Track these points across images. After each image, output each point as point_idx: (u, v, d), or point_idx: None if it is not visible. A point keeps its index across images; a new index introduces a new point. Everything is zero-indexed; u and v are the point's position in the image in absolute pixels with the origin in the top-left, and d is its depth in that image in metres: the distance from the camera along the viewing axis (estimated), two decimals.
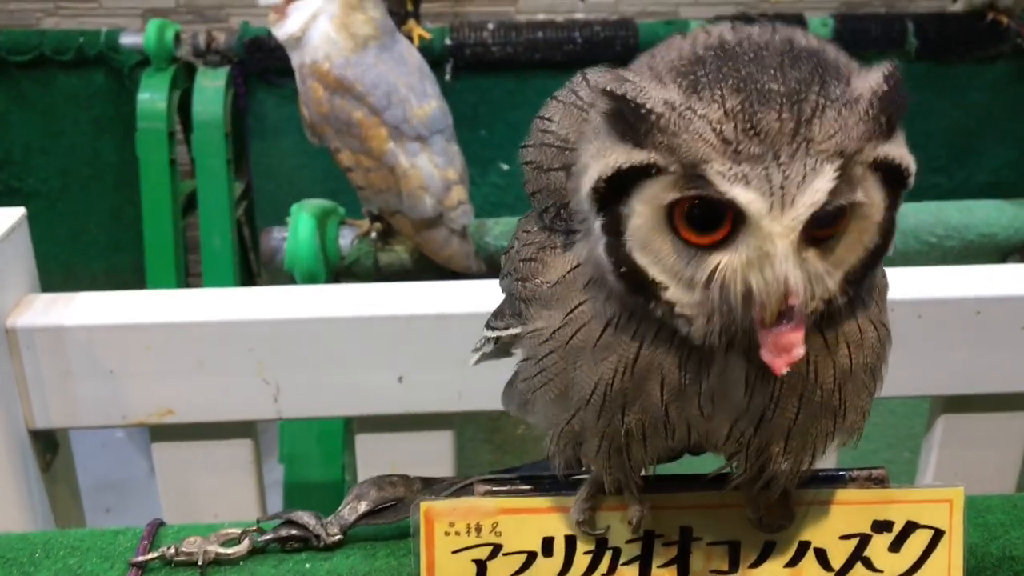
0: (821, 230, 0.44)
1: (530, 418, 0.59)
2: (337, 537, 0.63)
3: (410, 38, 2.22)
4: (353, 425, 1.15)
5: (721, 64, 0.43)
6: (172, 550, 0.61)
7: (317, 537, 0.63)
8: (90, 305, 1.03)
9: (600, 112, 0.46)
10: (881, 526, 0.59)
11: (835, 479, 0.59)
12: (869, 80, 0.44)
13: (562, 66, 2.22)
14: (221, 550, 0.62)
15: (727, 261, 0.44)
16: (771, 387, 0.48)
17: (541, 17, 2.64)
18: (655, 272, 0.46)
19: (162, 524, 0.67)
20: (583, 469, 0.59)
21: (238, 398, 1.06)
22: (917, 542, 0.59)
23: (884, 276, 0.54)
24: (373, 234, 1.45)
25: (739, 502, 0.58)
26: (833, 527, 0.59)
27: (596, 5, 2.71)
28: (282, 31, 1.36)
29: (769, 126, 0.42)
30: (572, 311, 0.50)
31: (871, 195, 0.45)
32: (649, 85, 0.44)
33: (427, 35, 2.26)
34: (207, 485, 1.14)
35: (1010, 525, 0.66)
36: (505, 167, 2.36)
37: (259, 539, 0.64)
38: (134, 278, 2.35)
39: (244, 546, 0.63)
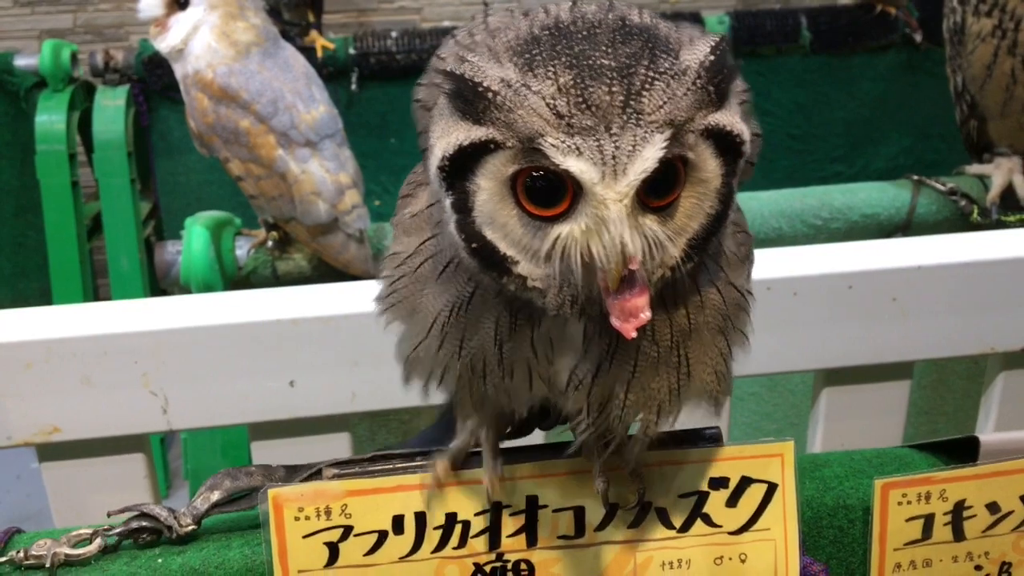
0: (658, 199, 0.47)
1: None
2: (190, 528, 0.63)
3: (313, 49, 2.22)
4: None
5: (555, 42, 0.45)
6: (21, 554, 0.61)
7: (169, 528, 0.63)
8: None
9: (443, 92, 0.48)
10: (718, 483, 0.61)
11: (672, 440, 0.62)
12: (696, 52, 0.46)
13: None
14: (71, 551, 0.62)
15: (567, 231, 0.46)
16: (607, 339, 0.50)
17: (446, 23, 2.66)
18: (504, 247, 0.48)
19: (18, 531, 0.66)
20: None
21: (126, 412, 1.04)
22: (752, 496, 0.61)
23: (744, 244, 0.56)
24: (270, 243, 1.45)
25: (584, 468, 0.60)
26: (672, 486, 0.61)
27: (500, 9, 2.73)
28: (164, 44, 1.35)
29: (600, 100, 0.44)
30: (424, 242, 0.53)
31: (706, 162, 0.47)
32: (487, 64, 0.46)
33: (330, 45, 2.26)
34: (102, 503, 1.12)
35: (844, 477, 0.69)
36: None
37: (110, 535, 0.63)
38: (41, 305, 2.29)
39: (95, 545, 0.62)
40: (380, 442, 1.60)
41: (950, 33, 1.57)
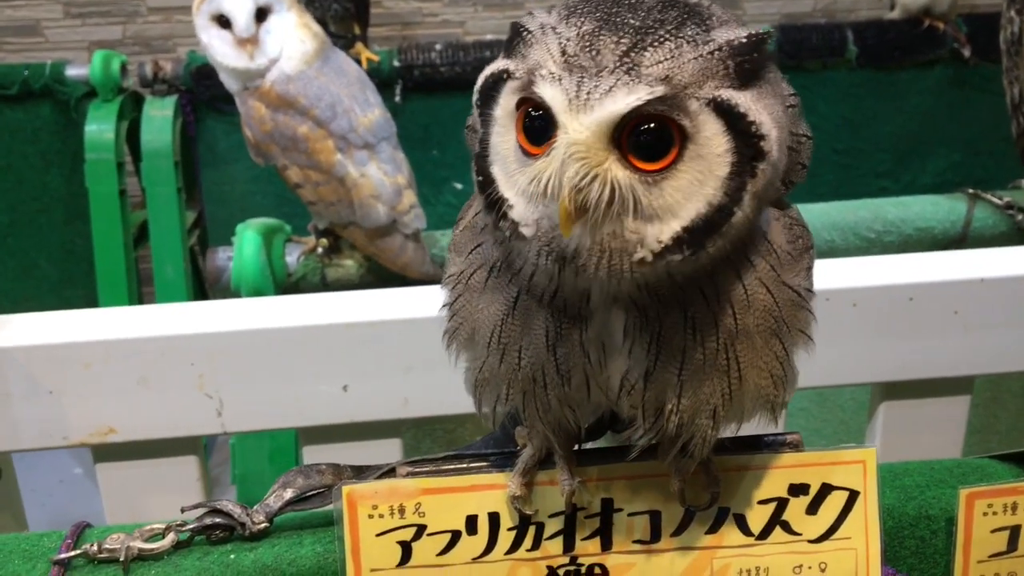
0: (646, 160, 0.45)
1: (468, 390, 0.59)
2: (263, 525, 0.63)
3: (358, 61, 2.24)
4: (300, 438, 1.15)
5: (601, 2, 0.47)
6: (95, 547, 0.61)
7: (242, 526, 0.63)
8: (27, 326, 1.02)
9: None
10: (797, 489, 0.60)
11: (752, 445, 0.60)
12: (732, 33, 0.46)
13: None
14: (144, 545, 0.62)
15: (543, 163, 0.46)
16: (648, 337, 0.50)
17: (489, 37, 2.67)
18: (504, 186, 0.49)
19: (88, 526, 0.66)
20: (520, 443, 0.60)
21: (181, 414, 1.05)
22: (833, 504, 0.60)
23: (804, 240, 0.55)
24: (319, 250, 1.45)
25: (661, 472, 0.59)
26: (751, 492, 0.60)
27: None
28: (263, 58, 1.35)
29: (604, 47, 0.45)
30: (471, 252, 0.53)
31: (709, 139, 0.45)
32: (541, 15, 0.48)
33: (375, 58, 2.28)
34: (154, 504, 1.13)
35: (926, 486, 0.67)
36: (458, 186, 2.37)
37: (183, 530, 0.63)
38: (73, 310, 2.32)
39: (168, 540, 0.62)
40: (425, 450, 1.60)
41: (1007, 44, 1.55)
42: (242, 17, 1.34)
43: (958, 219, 1.54)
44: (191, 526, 0.64)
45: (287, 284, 1.45)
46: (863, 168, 2.56)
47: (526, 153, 0.47)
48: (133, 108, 2.23)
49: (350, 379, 1.06)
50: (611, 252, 0.46)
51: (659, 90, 0.44)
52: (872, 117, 2.51)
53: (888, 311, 1.10)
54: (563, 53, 0.46)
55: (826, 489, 0.60)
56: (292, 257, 1.45)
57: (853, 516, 0.59)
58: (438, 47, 2.30)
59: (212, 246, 1.51)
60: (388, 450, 1.13)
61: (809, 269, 0.55)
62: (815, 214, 1.52)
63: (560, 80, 0.45)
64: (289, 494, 0.63)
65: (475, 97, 0.50)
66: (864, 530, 0.60)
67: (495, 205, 0.49)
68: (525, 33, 0.47)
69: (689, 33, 0.45)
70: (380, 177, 1.38)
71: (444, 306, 0.57)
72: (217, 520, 0.63)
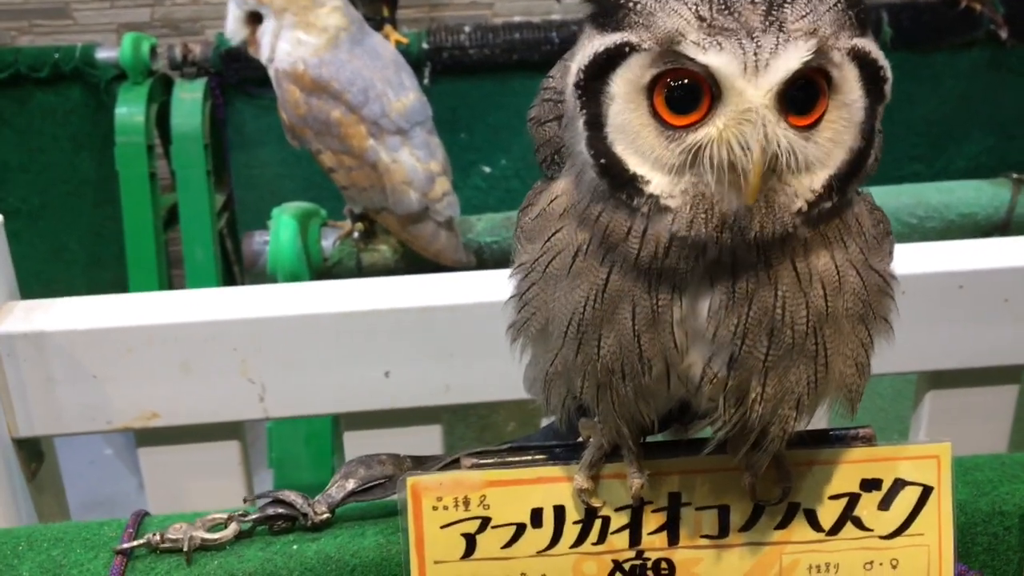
0: (800, 115, 0.46)
1: (530, 386, 0.59)
2: (325, 516, 0.62)
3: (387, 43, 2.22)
4: (341, 424, 1.15)
5: None
6: (157, 537, 0.61)
7: (304, 516, 0.62)
8: (70, 310, 1.02)
9: (586, 18, 0.48)
10: (870, 484, 0.59)
11: (822, 439, 0.59)
12: None
13: (540, 67, 2.22)
14: (207, 535, 0.61)
15: (706, 133, 0.46)
16: (735, 319, 0.49)
17: (518, 19, 2.64)
18: (635, 163, 0.47)
19: (147, 515, 0.66)
20: (585, 436, 0.59)
21: (223, 399, 1.05)
22: (906, 499, 0.59)
23: (884, 224, 0.55)
24: (355, 234, 1.44)
25: (730, 466, 0.58)
26: (822, 487, 0.59)
27: (572, 6, 2.72)
28: (262, 58, 1.37)
29: (743, 7, 0.44)
30: (549, 239, 0.52)
31: (850, 86, 0.47)
32: None
33: (404, 40, 2.26)
34: (196, 489, 1.13)
35: (998, 481, 0.66)
36: (487, 169, 2.36)
37: (245, 521, 0.63)
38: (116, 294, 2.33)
39: (230, 530, 0.62)
40: (459, 436, 1.59)
41: None
42: (229, 24, 1.38)
43: (1002, 205, 1.52)
44: (253, 516, 0.63)
45: (322, 269, 1.44)
46: (896, 152, 2.53)
47: (666, 125, 0.46)
48: (163, 91, 2.23)
49: (392, 365, 1.06)
50: (774, 207, 0.46)
51: (813, 44, 0.44)
52: (906, 100, 2.47)
53: (937, 298, 1.09)
54: (701, 19, 0.44)
55: (899, 484, 0.58)
56: (328, 241, 1.45)
57: (926, 512, 0.58)
58: (467, 29, 2.28)
59: (248, 230, 1.50)
60: (429, 436, 1.13)
61: (890, 254, 0.54)
62: None
63: (721, 46, 0.44)
64: (351, 485, 0.63)
65: (576, 78, 0.48)
66: (937, 526, 0.58)
67: (624, 184, 0.47)
68: (632, 3, 0.46)
69: None
70: (413, 163, 1.36)
71: (512, 297, 0.56)
72: (279, 510, 0.62)
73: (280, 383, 1.05)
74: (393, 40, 2.25)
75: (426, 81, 2.28)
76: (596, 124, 0.48)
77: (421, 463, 0.63)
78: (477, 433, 1.60)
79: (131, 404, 1.04)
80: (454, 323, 1.06)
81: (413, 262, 1.45)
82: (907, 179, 2.50)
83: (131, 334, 1.01)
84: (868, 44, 0.47)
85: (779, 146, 0.45)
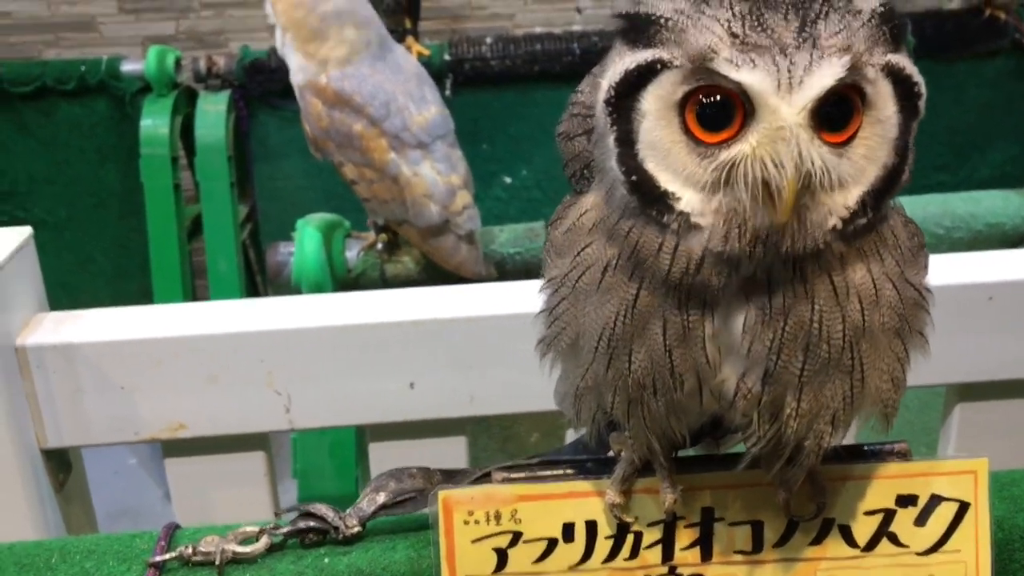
0: (834, 132, 0.46)
1: (561, 401, 0.58)
2: (356, 529, 0.62)
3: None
4: (366, 435, 1.15)
5: None
6: (190, 550, 0.61)
7: (336, 529, 0.62)
8: (99, 322, 1.03)
9: (616, 34, 0.48)
10: (905, 500, 0.58)
11: (857, 454, 0.59)
12: (869, 2, 0.46)
13: (561, 78, 2.22)
14: (239, 548, 0.61)
15: (739, 150, 0.45)
16: (771, 333, 0.48)
17: (538, 30, 2.65)
18: (666, 180, 0.47)
19: (178, 527, 0.66)
20: (616, 450, 0.59)
21: (250, 410, 1.05)
22: (943, 515, 0.58)
23: (919, 238, 0.54)
24: (379, 245, 1.45)
25: (764, 481, 0.57)
26: (857, 503, 0.58)
27: (593, 16, 2.72)
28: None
29: (775, 24, 0.44)
30: (579, 254, 0.51)
31: (884, 102, 0.47)
32: (659, 2, 0.47)
33: (426, 52, 2.27)
34: (221, 499, 1.14)
35: None
36: (508, 180, 2.36)
37: (276, 534, 0.63)
38: (141, 305, 2.34)
39: (262, 544, 0.62)
40: (481, 447, 1.59)
41: None
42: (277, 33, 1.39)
43: None
44: (284, 529, 0.63)
45: (347, 280, 1.45)
46: (920, 161, 2.42)
47: (698, 142, 0.46)
48: (187, 103, 2.25)
49: (417, 376, 1.06)
50: (807, 223, 0.46)
51: (847, 60, 0.44)
52: (930, 109, 2.39)
53: (966, 310, 1.07)
54: (734, 35, 0.44)
55: (935, 500, 0.58)
56: (352, 253, 1.45)
57: (963, 528, 0.58)
58: (488, 40, 2.29)
59: (272, 241, 1.51)
60: (453, 447, 1.13)
61: (925, 267, 0.54)
62: None
63: (754, 63, 0.44)
64: (382, 498, 0.63)
65: (607, 95, 0.47)
66: (975, 543, 0.58)
67: (654, 201, 0.47)
68: (664, 20, 0.46)
69: (840, 4, 0.45)
70: (433, 176, 1.37)
71: (542, 312, 0.55)
72: (310, 524, 0.63)
73: (305, 394, 1.05)
74: (415, 52, 2.26)
75: (448, 92, 2.29)
76: (627, 141, 0.47)
77: (451, 477, 0.63)
78: (500, 444, 1.60)
79: (158, 415, 1.05)
80: (477, 334, 1.06)
81: (436, 273, 1.45)
82: (932, 188, 2.48)
83: (158, 346, 1.02)
84: (903, 60, 0.47)
85: (813, 164, 0.44)
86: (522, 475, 0.59)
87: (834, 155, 0.46)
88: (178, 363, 1.02)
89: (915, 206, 1.48)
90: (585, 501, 0.58)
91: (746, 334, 0.48)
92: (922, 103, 0.48)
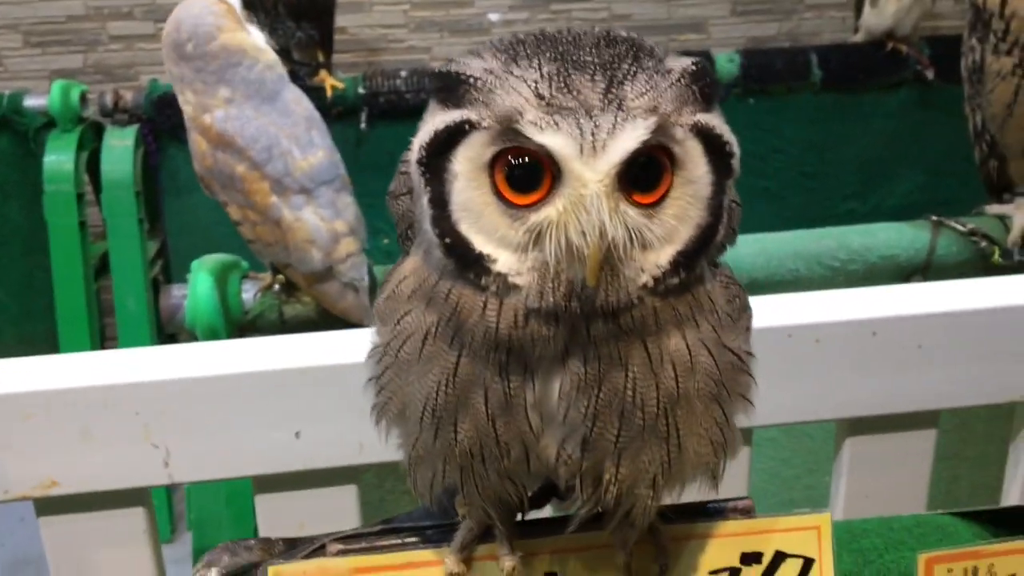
0: (643, 192, 0.46)
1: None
2: None
3: (323, 89, 2.22)
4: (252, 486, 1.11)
5: (540, 43, 0.47)
6: None
7: None
8: None
9: (431, 92, 0.48)
10: (750, 558, 0.57)
11: (700, 512, 0.58)
12: (680, 61, 0.47)
13: None
14: None
15: (546, 214, 0.45)
16: (586, 400, 0.47)
17: None
18: (480, 242, 0.46)
19: None
20: (462, 514, 0.58)
21: (126, 465, 1.01)
22: (788, 571, 0.58)
23: (740, 300, 0.54)
24: (276, 287, 1.42)
25: (604, 543, 0.56)
26: (701, 562, 0.57)
27: None
28: None
29: (582, 86, 0.44)
30: (399, 322, 0.50)
31: (695, 162, 0.47)
32: (471, 60, 0.47)
33: (340, 85, 2.26)
34: (101, 559, 1.09)
35: (884, 549, 0.65)
36: None
37: None
38: (47, 345, 2.27)
39: None
40: (388, 489, 1.56)
41: (968, 72, 1.55)
42: None
43: (922, 247, 1.53)
44: None
45: (243, 322, 1.41)
46: (830, 191, 2.57)
47: (508, 204, 0.46)
48: (94, 138, 2.20)
49: (303, 425, 1.03)
50: (619, 279, 0.46)
51: (652, 122, 0.44)
52: (837, 140, 2.52)
53: (852, 346, 1.09)
54: (540, 96, 0.44)
55: (780, 557, 0.57)
56: (249, 294, 1.42)
57: None
58: (403, 73, 2.29)
59: (169, 281, 1.48)
60: (344, 496, 1.10)
61: (748, 330, 0.54)
62: (780, 243, 1.51)
63: (558, 125, 0.44)
64: (213, 574, 0.60)
65: (419, 155, 0.47)
66: None
67: (471, 264, 0.46)
68: (473, 80, 0.45)
69: (650, 64, 0.46)
70: (316, 222, 1.35)
71: (370, 380, 0.54)
72: None
73: (186, 447, 1.01)
74: (329, 85, 2.25)
75: (363, 125, 2.28)
76: (440, 202, 0.47)
77: (293, 546, 0.61)
78: (408, 487, 1.57)
79: (29, 472, 1.00)
80: (365, 381, 1.03)
81: (336, 316, 1.43)
82: (842, 217, 2.54)
83: (27, 400, 0.98)
84: (713, 119, 0.47)
85: (617, 230, 0.44)
86: (358, 546, 0.57)
87: (643, 216, 0.46)
88: (48, 418, 0.98)
89: (810, 239, 1.51)
90: (425, 571, 0.56)
91: (562, 400, 0.48)
92: (735, 162, 0.48)
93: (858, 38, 2.50)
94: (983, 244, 1.55)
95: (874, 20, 2.40)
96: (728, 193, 0.48)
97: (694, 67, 0.46)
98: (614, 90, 0.44)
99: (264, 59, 1.33)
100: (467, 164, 0.46)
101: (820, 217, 2.49)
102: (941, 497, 1.22)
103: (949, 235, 1.56)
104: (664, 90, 0.45)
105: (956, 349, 1.09)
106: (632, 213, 0.45)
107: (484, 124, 0.45)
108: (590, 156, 0.43)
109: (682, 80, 0.46)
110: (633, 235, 0.45)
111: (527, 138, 0.44)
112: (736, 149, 0.48)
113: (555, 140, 0.44)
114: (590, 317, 0.46)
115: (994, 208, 1.64)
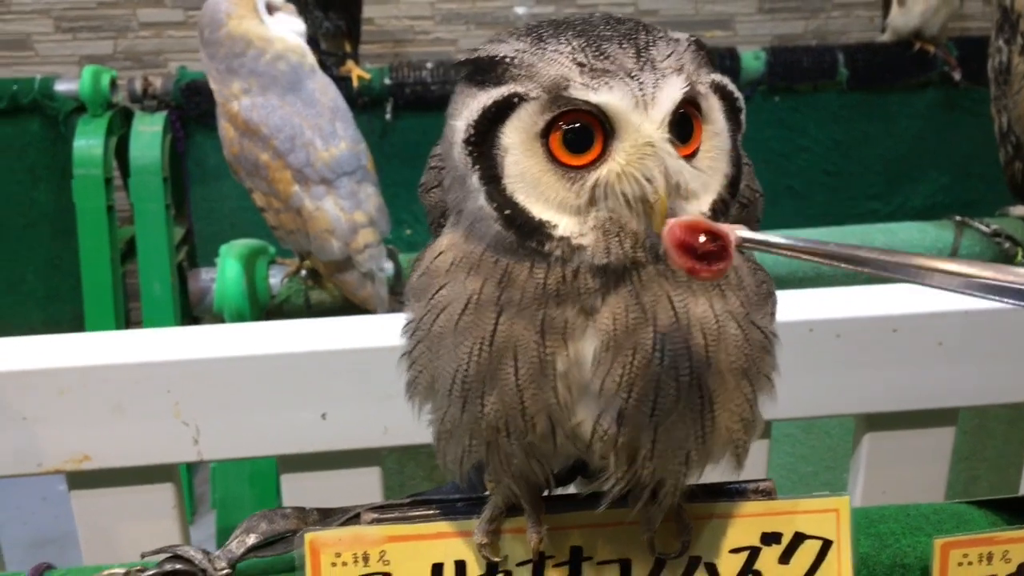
0: (682, 145, 0.48)
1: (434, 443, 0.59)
2: (225, 572, 0.62)
3: (349, 79, 2.24)
4: (278, 465, 1.14)
5: (558, 26, 0.49)
6: None
7: (203, 572, 0.61)
8: (1, 352, 1.01)
9: (461, 79, 0.50)
10: (770, 538, 0.59)
11: (722, 492, 0.59)
12: (680, 34, 0.51)
13: None
14: None
15: (608, 169, 0.47)
16: (620, 369, 0.49)
17: None
18: (539, 210, 0.48)
19: (49, 568, 0.65)
20: (489, 489, 0.59)
21: (157, 441, 1.03)
22: (806, 553, 0.59)
23: (765, 282, 0.55)
24: (303, 272, 1.44)
25: (632, 520, 0.58)
26: (722, 541, 0.59)
27: None
28: None
29: (614, 53, 0.47)
30: (433, 296, 0.52)
31: (717, 116, 0.51)
32: (499, 45, 0.49)
33: (366, 76, 2.28)
34: (130, 532, 1.11)
35: (901, 534, 0.66)
36: None
37: None
38: (73, 327, 2.30)
39: None
40: (409, 475, 1.58)
41: (995, 73, 1.55)
42: None
43: (945, 247, 1.54)
44: (151, 572, 0.63)
45: (270, 307, 1.44)
46: (854, 190, 2.57)
47: (566, 168, 0.48)
48: (122, 123, 2.23)
49: (330, 407, 1.05)
50: None
51: (684, 78, 0.47)
52: (863, 139, 2.52)
53: (872, 342, 1.09)
54: (580, 64, 0.46)
55: (799, 538, 0.59)
56: (276, 279, 1.44)
57: (826, 566, 0.58)
58: (429, 65, 2.30)
59: (195, 267, 1.50)
60: (368, 478, 1.12)
61: (773, 315, 0.55)
62: None
63: (609, 85, 0.46)
64: (252, 539, 0.62)
65: (466, 134, 0.48)
66: None
67: (532, 232, 0.48)
68: (510, 59, 0.47)
69: (661, 35, 0.49)
70: (336, 213, 1.37)
71: (403, 355, 0.56)
72: (177, 567, 0.62)
73: (215, 425, 1.04)
74: (356, 76, 2.27)
75: (388, 116, 2.30)
76: (492, 178, 0.48)
77: (327, 516, 0.63)
78: (427, 472, 1.59)
79: (62, 447, 1.03)
80: (392, 364, 1.05)
81: (358, 304, 1.45)
82: (865, 217, 2.54)
83: (62, 375, 1.00)
84: (723, 79, 0.51)
85: (682, 172, 0.47)
86: (391, 516, 0.59)
87: (689, 166, 0.49)
88: (82, 393, 1.01)
89: (835, 237, 1.51)
90: (454, 541, 0.58)
91: (597, 366, 0.49)
92: (743, 117, 0.52)
93: (885, 38, 2.49)
94: (1006, 245, 1.55)
95: (902, 20, 2.39)
96: (739, 147, 0.52)
97: (694, 37, 0.50)
98: (643, 54, 0.47)
99: (272, 49, 1.34)
100: (519, 135, 0.48)
101: (843, 216, 2.49)
102: (959, 497, 1.23)
103: (972, 235, 1.56)
104: (683, 53, 0.49)
105: (976, 347, 1.10)
106: (682, 161, 0.48)
107: (533, 95, 0.47)
108: (644, 108, 0.46)
109: (691, 46, 0.50)
110: (684, 180, 0.48)
111: (581, 100, 0.46)
112: (743, 104, 0.52)
113: (610, 97, 0.46)
114: (642, 264, 0.48)
115: (1018, 210, 1.63)
